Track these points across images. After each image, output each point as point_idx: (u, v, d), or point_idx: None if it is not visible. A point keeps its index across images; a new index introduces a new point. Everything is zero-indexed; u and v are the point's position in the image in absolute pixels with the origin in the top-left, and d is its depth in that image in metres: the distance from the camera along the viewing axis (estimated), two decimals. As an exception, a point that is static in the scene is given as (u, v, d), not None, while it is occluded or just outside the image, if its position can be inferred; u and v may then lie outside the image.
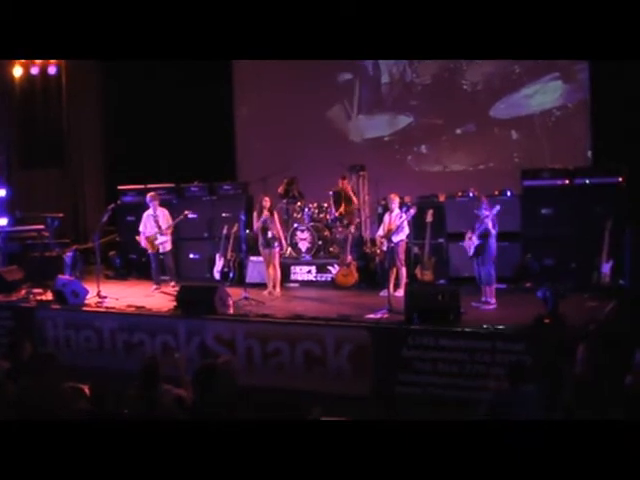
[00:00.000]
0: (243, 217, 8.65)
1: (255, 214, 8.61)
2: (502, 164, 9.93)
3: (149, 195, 9.14)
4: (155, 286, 9.07)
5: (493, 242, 7.07)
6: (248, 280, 8.79)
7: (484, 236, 7.01)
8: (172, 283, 8.89)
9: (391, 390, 6.10)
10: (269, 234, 8.41)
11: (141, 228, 9.11)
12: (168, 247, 9.08)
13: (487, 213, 7.03)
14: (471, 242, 7.13)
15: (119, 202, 10.41)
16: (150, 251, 9.13)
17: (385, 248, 7.95)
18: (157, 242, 8.97)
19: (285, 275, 9.03)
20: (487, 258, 7.06)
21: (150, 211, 9.11)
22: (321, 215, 9.76)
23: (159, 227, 8.98)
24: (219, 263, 9.40)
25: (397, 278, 8.05)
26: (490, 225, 6.98)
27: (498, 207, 7.06)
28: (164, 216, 9.07)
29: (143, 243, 9.08)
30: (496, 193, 8.63)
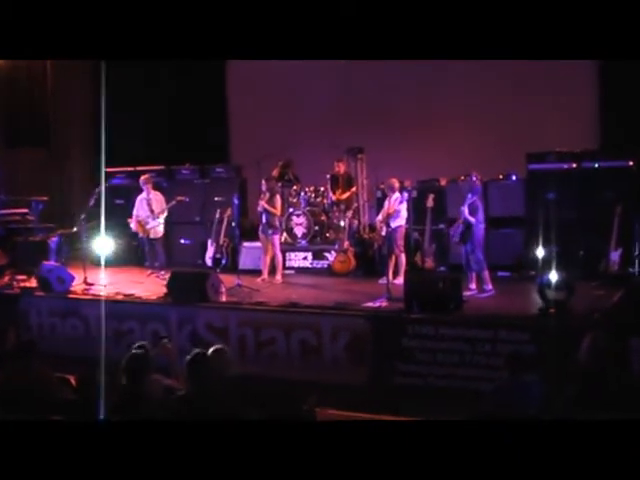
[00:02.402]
0: (236, 201, 8.62)
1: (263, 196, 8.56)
2: (507, 146, 9.87)
3: (142, 178, 9.11)
4: (150, 271, 9.09)
5: (479, 227, 7.07)
6: (241, 266, 8.79)
7: (466, 224, 7.06)
8: (162, 271, 8.89)
9: (390, 381, 6.12)
10: (264, 219, 8.36)
11: (134, 211, 9.10)
12: (160, 233, 9.08)
13: (474, 199, 7.01)
14: (456, 228, 7.14)
15: (107, 185, 10.35)
16: (141, 235, 9.13)
17: (384, 234, 7.95)
18: (148, 226, 8.97)
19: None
20: (474, 244, 7.07)
21: (143, 194, 9.11)
22: (318, 199, 9.74)
23: (151, 211, 8.97)
24: (211, 249, 9.39)
25: (396, 265, 8.06)
26: (466, 212, 6.97)
27: (473, 198, 7.04)
28: (157, 200, 9.06)
29: (134, 226, 9.07)
30: (500, 177, 8.61)
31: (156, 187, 9.34)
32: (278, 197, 8.54)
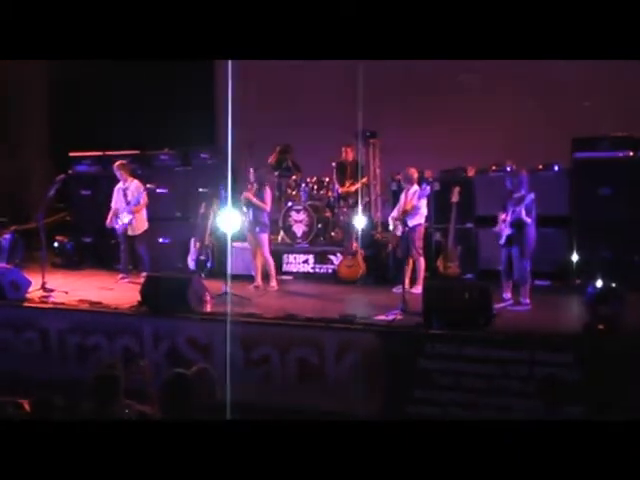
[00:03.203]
0: (225, 193, 8.63)
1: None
2: (549, 130, 9.84)
3: (116, 165, 9.18)
4: (122, 275, 9.15)
5: (531, 231, 7.07)
6: (230, 271, 8.79)
7: (518, 225, 7.02)
8: (143, 274, 8.90)
9: (404, 409, 6.12)
10: (250, 215, 8.38)
11: (112, 204, 9.19)
12: (139, 229, 9.15)
13: (524, 195, 7.01)
14: (504, 228, 7.13)
15: (71, 172, 10.41)
16: (118, 232, 9.20)
17: (399, 233, 7.96)
18: (121, 220, 9.06)
19: (276, 265, 9.03)
20: (523, 250, 7.06)
21: (120, 184, 9.19)
22: (321, 192, 9.78)
23: (126, 202, 9.04)
24: (194, 250, 9.44)
25: (414, 271, 8.10)
26: (523, 214, 6.96)
27: (532, 196, 7.02)
28: (136, 190, 9.13)
29: (108, 221, 9.16)
30: (540, 167, 8.60)
31: (134, 174, 9.40)
32: (268, 189, 8.57)
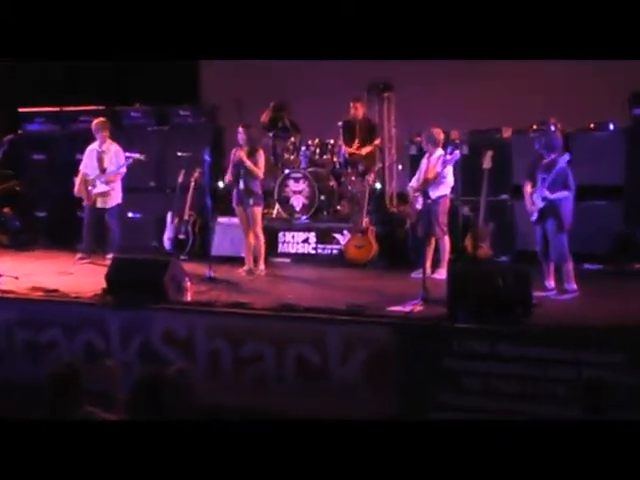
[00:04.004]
0: (208, 157, 8.63)
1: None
2: (601, 81, 9.73)
3: (95, 123, 9.21)
4: (81, 255, 9.16)
5: (568, 201, 7.07)
6: (215, 252, 8.82)
7: (555, 192, 7.00)
8: (109, 255, 8.97)
9: (424, 416, 6.12)
10: (241, 184, 8.36)
11: (81, 167, 9.20)
12: (112, 201, 9.20)
13: (555, 159, 6.98)
14: (535, 200, 7.11)
15: (20, 132, 10.37)
16: (86, 203, 9.22)
17: (420, 207, 7.94)
18: (94, 190, 9.08)
19: (271, 246, 9.08)
20: (559, 224, 7.06)
21: (95, 145, 9.19)
22: (325, 157, 9.75)
23: (102, 169, 9.03)
24: (171, 226, 9.47)
25: (437, 252, 8.11)
26: (570, 178, 6.95)
27: (566, 157, 6.99)
28: (114, 155, 9.14)
29: (76, 189, 9.16)
30: (591, 126, 8.55)
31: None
32: (261, 152, 8.54)
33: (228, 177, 8.51)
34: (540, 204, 7.09)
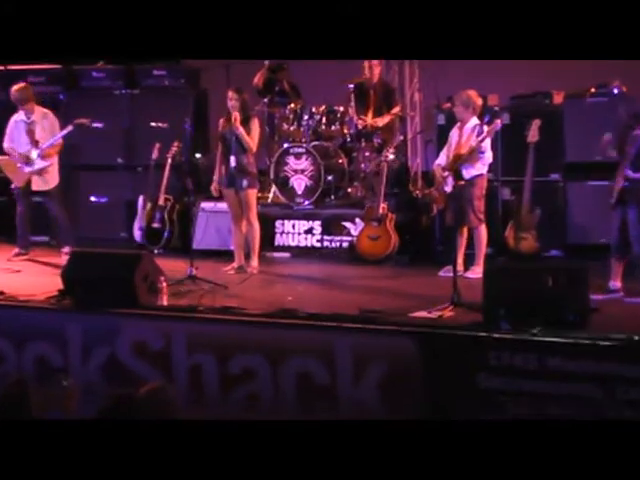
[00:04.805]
0: (189, 128, 8.62)
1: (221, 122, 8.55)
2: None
3: (15, 89, 9.16)
4: (17, 250, 9.20)
5: None
6: (198, 245, 8.83)
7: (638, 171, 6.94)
8: (65, 249, 8.98)
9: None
10: (232, 161, 8.32)
11: (5, 143, 9.22)
12: (53, 181, 9.18)
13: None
14: (618, 179, 7.03)
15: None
16: (15, 185, 9.21)
17: (450, 190, 7.92)
18: (27, 169, 9.04)
19: (266, 237, 9.08)
20: None
21: (21, 115, 9.18)
22: (333, 128, 9.74)
23: (34, 142, 9.04)
24: (144, 213, 9.47)
25: (471, 245, 8.12)
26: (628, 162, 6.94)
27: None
28: (48, 124, 9.13)
29: (3, 167, 9.19)
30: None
31: (45, 102, 9.37)
32: (256, 121, 8.50)
33: (219, 155, 8.48)
34: (621, 184, 7.04)
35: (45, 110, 9.22)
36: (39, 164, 9.02)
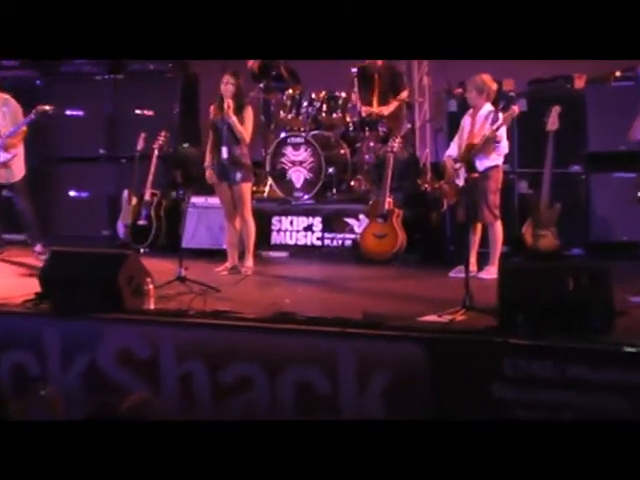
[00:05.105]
0: (177, 116, 8.68)
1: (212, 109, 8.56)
2: None
3: None
4: None
5: None
6: (187, 244, 8.82)
7: None
8: (37, 247, 9.02)
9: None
10: (224, 152, 8.33)
11: None
12: (18, 174, 9.21)
13: None
14: None
15: None
16: None
17: (462, 182, 7.92)
18: None
19: (262, 235, 9.10)
20: None
21: None
22: (334, 115, 9.77)
23: None
24: (129, 209, 9.48)
25: (485, 243, 8.13)
26: None
27: None
28: (9, 111, 9.14)
29: None
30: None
31: (11, 88, 9.35)
32: (250, 109, 8.49)
33: (210, 145, 8.48)
34: None
35: (5, 96, 9.19)
36: (1, 156, 9.04)
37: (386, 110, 9.58)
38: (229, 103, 8.22)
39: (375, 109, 9.62)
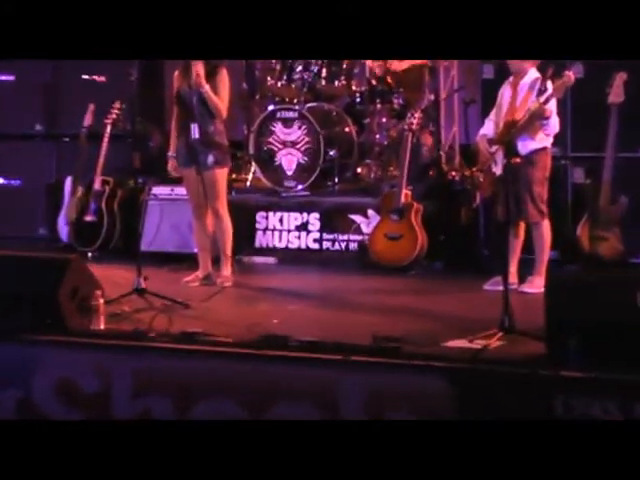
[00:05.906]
0: (135, 84, 8.63)
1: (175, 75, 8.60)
2: None
3: None
4: None
5: None
6: (148, 246, 8.92)
7: None
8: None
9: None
10: (194, 130, 8.33)
11: None
12: None
13: None
14: None
15: None
16: None
17: (499, 170, 7.96)
18: None
19: (243, 235, 9.18)
20: None
21: None
22: (336, 83, 9.90)
23: None
24: (73, 201, 9.57)
25: (529, 247, 8.17)
26: None
27: None
28: None
29: None
30: None
31: None
32: (225, 73, 8.47)
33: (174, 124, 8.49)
34: None
35: None
36: None
37: (399, 67, 9.60)
38: (198, 69, 8.17)
39: (389, 68, 9.64)
